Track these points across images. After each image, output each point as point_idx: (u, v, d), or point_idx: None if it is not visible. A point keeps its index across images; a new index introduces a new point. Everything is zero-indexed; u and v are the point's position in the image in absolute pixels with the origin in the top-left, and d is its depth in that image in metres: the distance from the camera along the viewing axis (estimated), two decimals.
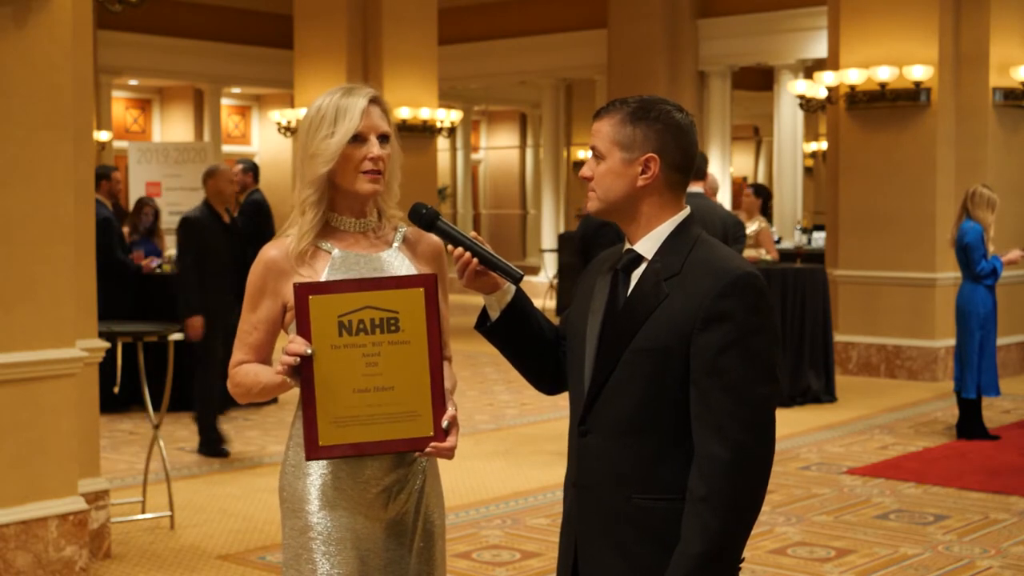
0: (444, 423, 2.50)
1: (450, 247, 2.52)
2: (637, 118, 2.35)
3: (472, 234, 2.48)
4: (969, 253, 7.96)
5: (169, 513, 5.99)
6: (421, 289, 2.49)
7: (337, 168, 2.61)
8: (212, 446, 7.72)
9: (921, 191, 10.91)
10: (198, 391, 7.79)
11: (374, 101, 2.64)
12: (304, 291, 2.47)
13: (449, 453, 2.51)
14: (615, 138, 2.36)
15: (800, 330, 9.62)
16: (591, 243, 7.28)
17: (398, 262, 2.68)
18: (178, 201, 14.16)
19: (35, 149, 4.78)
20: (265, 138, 21.93)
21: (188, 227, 7.76)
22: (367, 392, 2.47)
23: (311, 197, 2.63)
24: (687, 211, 2.40)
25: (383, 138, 2.65)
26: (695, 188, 7.02)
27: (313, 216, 2.64)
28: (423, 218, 2.54)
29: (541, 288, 17.96)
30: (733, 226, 7.20)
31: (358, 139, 2.61)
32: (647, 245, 2.37)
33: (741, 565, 2.32)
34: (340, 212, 2.68)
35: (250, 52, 19.14)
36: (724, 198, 15.91)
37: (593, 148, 2.39)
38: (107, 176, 9.43)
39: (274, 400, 9.36)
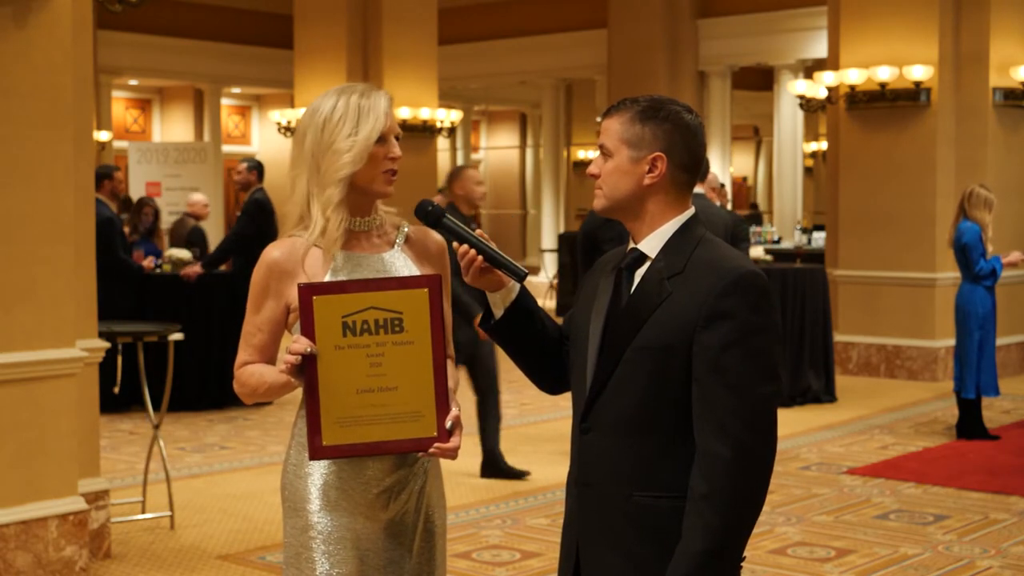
0: (448, 424, 2.50)
1: (455, 244, 2.52)
2: (646, 117, 2.35)
3: (477, 232, 2.48)
4: (968, 253, 7.95)
5: (169, 513, 5.99)
6: (425, 290, 2.48)
7: (361, 168, 2.61)
8: (497, 466, 7.06)
9: (921, 191, 10.91)
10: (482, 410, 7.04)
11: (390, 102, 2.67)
12: (308, 291, 2.47)
13: (452, 454, 2.51)
14: (623, 136, 2.36)
15: (800, 330, 9.61)
16: (596, 239, 7.26)
17: (400, 263, 2.68)
18: (178, 201, 14.17)
19: (35, 149, 4.78)
20: (265, 138, 21.94)
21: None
22: (371, 392, 2.47)
23: (335, 197, 2.60)
24: (692, 211, 2.40)
25: (397, 139, 2.67)
26: (697, 189, 7.01)
27: (338, 220, 2.60)
28: (429, 215, 2.54)
29: (541, 288, 17.97)
30: (735, 225, 7.20)
31: (381, 139, 2.62)
32: (651, 244, 2.37)
33: (742, 564, 2.32)
34: (349, 212, 2.67)
35: (250, 52, 19.14)
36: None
37: (601, 146, 2.39)
38: (109, 175, 9.42)
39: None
